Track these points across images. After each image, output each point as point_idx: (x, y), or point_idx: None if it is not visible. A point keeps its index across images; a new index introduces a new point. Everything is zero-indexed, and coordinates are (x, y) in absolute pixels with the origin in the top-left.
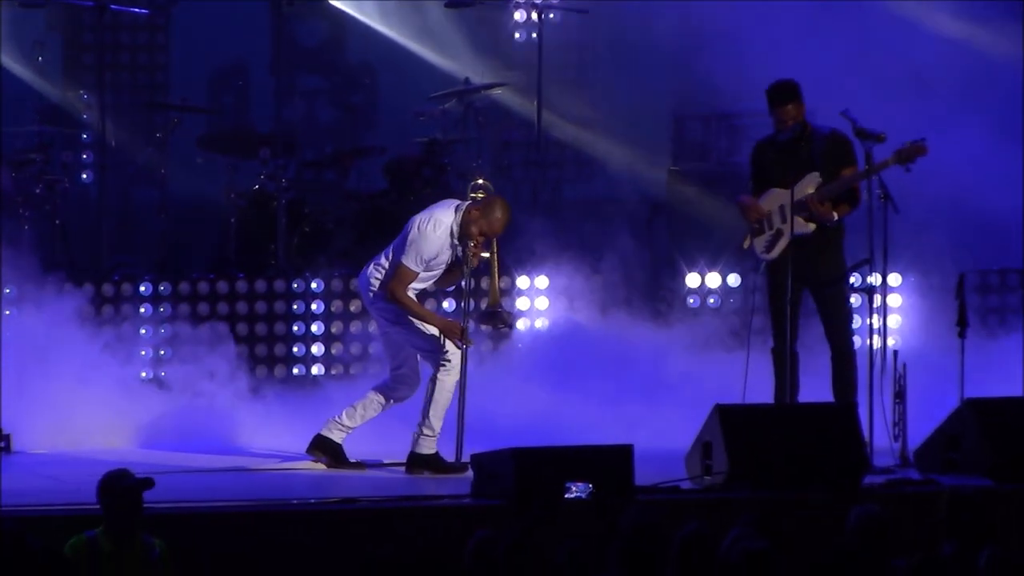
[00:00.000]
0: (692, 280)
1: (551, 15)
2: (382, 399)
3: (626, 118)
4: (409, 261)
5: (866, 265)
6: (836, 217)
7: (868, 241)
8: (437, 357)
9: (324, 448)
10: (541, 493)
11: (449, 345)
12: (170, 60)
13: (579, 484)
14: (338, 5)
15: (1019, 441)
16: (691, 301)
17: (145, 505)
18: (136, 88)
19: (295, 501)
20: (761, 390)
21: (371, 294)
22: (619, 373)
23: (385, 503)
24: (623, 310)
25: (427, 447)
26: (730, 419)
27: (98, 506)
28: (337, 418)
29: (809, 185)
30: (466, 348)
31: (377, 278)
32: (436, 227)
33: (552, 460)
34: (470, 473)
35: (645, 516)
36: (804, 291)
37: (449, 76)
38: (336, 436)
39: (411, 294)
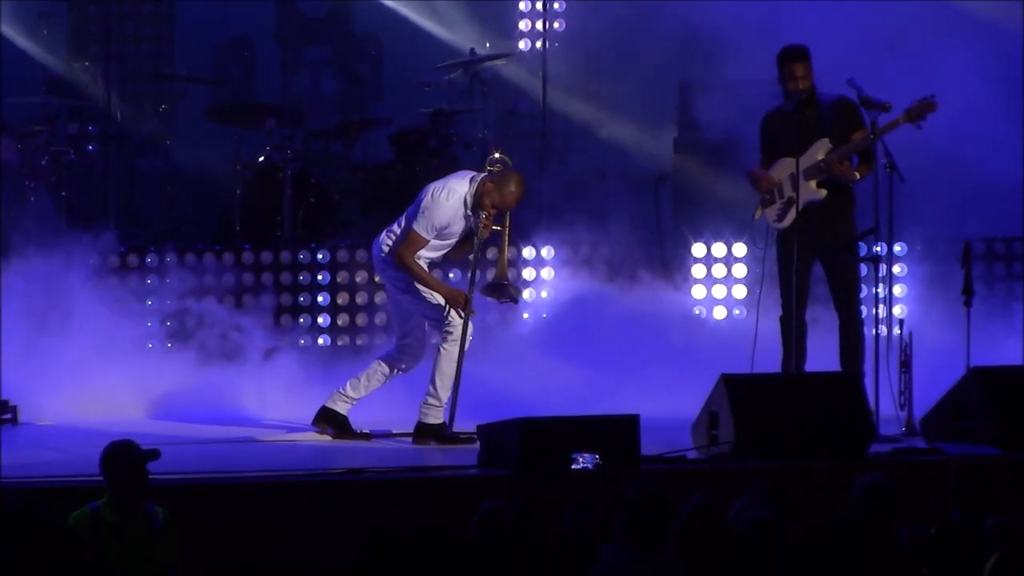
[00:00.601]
0: (698, 250)
1: None
2: (387, 369)
3: (631, 88)
4: (420, 228)
5: (872, 234)
6: (859, 177)
7: (874, 210)
8: (443, 327)
9: (330, 419)
10: (548, 463)
11: (453, 315)
12: (175, 31)
13: (585, 455)
14: None
15: None
16: (697, 271)
17: (152, 475)
18: (141, 59)
19: (301, 472)
20: (768, 359)
21: (382, 261)
22: (625, 342)
23: (391, 474)
24: (629, 280)
25: (433, 417)
26: (736, 389)
27: (102, 477)
28: (341, 390)
29: (820, 151)
30: (468, 318)
31: (388, 245)
32: (450, 196)
33: (558, 430)
34: (477, 444)
35: (651, 486)
36: (814, 260)
37: (455, 47)
38: (341, 407)
39: (422, 263)
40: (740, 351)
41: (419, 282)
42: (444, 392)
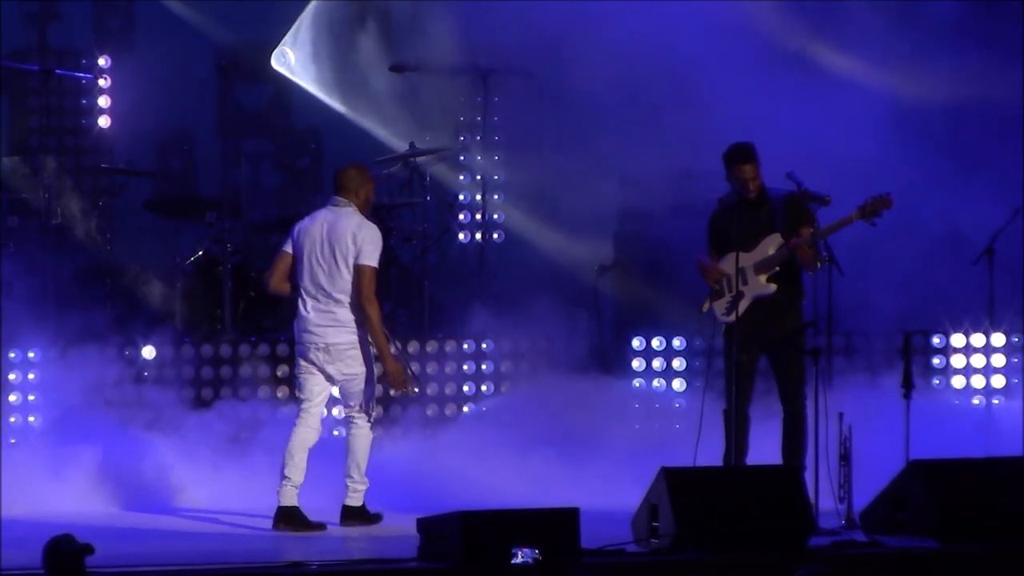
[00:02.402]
0: (637, 342)
1: (496, 79)
2: (311, 442)
3: (572, 180)
4: (375, 260)
5: (811, 327)
6: (820, 266)
7: (813, 304)
8: (362, 405)
9: (287, 519)
10: (488, 556)
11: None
12: (115, 124)
13: (525, 550)
14: (282, 72)
15: (964, 502)
16: (637, 363)
17: (89, 570)
18: (82, 152)
19: (241, 565)
20: (711, 451)
21: (328, 330)
22: (565, 435)
23: (331, 567)
24: (568, 372)
25: (356, 500)
26: (676, 481)
27: (42, 571)
28: (286, 482)
29: (771, 246)
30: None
31: (332, 312)
32: (369, 223)
33: (499, 523)
34: (417, 536)
35: None
36: (761, 354)
37: (394, 140)
38: (295, 499)
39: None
40: (680, 443)
41: (374, 330)
42: (360, 472)
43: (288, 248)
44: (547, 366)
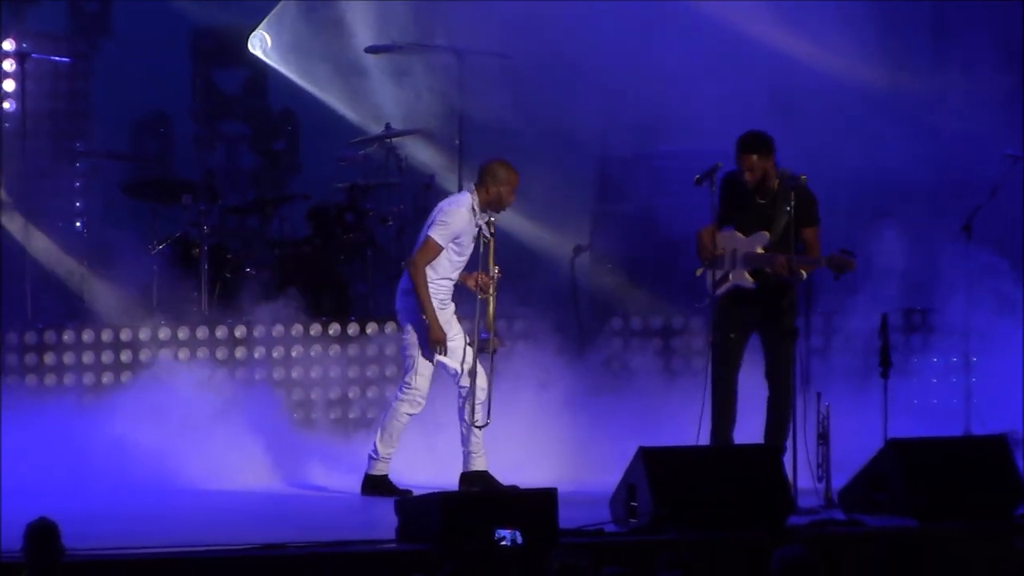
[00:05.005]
0: (615, 321)
1: (472, 59)
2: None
3: (548, 160)
4: (437, 235)
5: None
6: (804, 276)
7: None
8: (405, 379)
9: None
10: (467, 536)
11: (417, 379)
12: (92, 107)
13: (507, 531)
14: (258, 55)
15: (942, 480)
16: (614, 341)
17: (69, 551)
18: (58, 136)
19: (220, 547)
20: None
21: (401, 291)
22: (543, 415)
23: (310, 548)
24: (545, 353)
25: (378, 469)
26: (654, 461)
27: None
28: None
29: (758, 243)
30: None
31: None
32: (460, 205)
33: (478, 504)
34: (395, 518)
35: (569, 559)
36: (753, 330)
37: (370, 122)
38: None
39: (444, 284)
40: (658, 423)
41: (418, 300)
42: (385, 448)
43: None
44: (523, 346)
